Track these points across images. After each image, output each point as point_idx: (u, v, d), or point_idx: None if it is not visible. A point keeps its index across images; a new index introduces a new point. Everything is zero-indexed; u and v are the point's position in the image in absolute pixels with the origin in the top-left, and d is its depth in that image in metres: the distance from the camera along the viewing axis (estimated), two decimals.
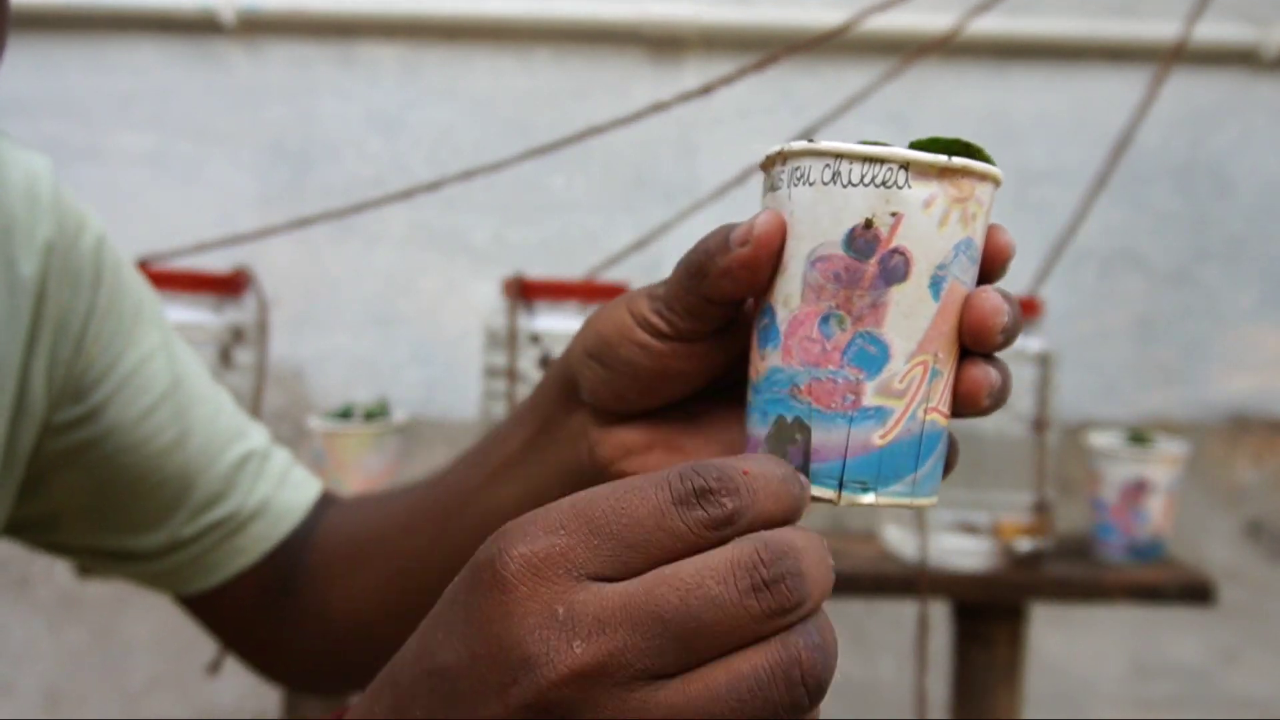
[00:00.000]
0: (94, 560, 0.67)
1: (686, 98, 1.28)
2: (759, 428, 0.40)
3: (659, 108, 1.28)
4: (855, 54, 1.75)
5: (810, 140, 0.39)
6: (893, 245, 0.38)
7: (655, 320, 0.44)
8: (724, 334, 0.44)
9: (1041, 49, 1.83)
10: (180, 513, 0.65)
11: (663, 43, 1.82)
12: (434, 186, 1.34)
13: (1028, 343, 1.29)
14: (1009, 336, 0.40)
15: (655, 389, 0.46)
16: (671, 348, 0.44)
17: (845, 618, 1.84)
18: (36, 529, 0.65)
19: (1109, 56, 1.84)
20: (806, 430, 0.39)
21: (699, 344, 0.44)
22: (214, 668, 1.31)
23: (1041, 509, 1.28)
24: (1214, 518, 1.88)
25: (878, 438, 0.39)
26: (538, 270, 1.38)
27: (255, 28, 1.82)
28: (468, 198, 1.79)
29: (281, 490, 0.68)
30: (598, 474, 0.49)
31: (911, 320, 0.38)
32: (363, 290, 1.84)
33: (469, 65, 1.83)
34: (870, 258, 0.38)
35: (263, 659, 0.71)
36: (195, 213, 1.80)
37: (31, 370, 0.58)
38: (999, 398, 0.41)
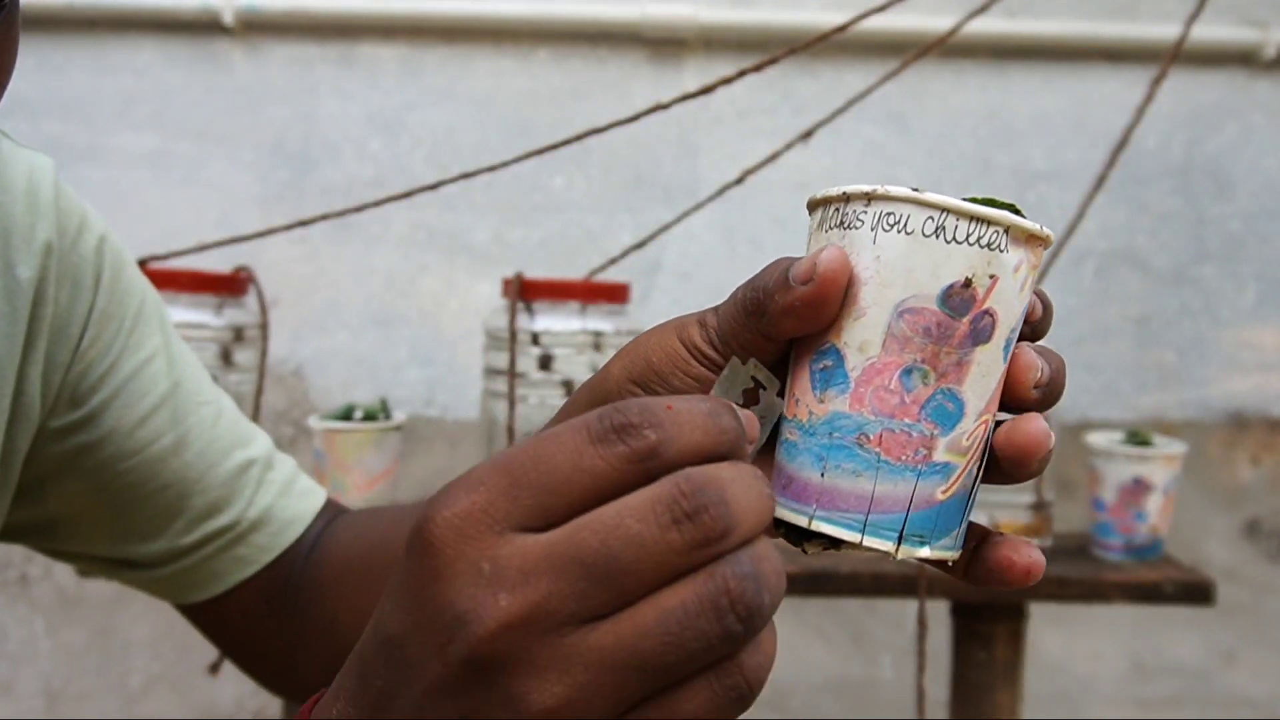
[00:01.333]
0: (93, 566, 0.67)
1: (686, 98, 1.29)
2: (809, 470, 0.39)
3: (659, 108, 1.29)
4: (855, 54, 1.75)
5: (915, 189, 0.39)
6: (985, 307, 0.38)
7: (710, 353, 0.43)
8: (779, 365, 0.43)
9: (1041, 49, 1.84)
10: (179, 521, 0.64)
11: (663, 43, 1.83)
12: (434, 186, 1.34)
13: None
14: (1044, 393, 0.40)
15: None
16: None
17: (845, 617, 1.84)
18: (34, 535, 0.64)
19: (1108, 57, 1.84)
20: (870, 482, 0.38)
21: None
22: (214, 668, 1.31)
23: (1040, 509, 1.29)
24: (1212, 517, 1.88)
25: (940, 493, 0.38)
26: (538, 270, 1.38)
27: (255, 28, 1.82)
28: (468, 198, 1.79)
29: (285, 500, 0.67)
30: None
31: (986, 380, 0.39)
32: (363, 290, 1.84)
33: (469, 66, 1.84)
34: (964, 316, 0.38)
35: (265, 670, 0.70)
36: (196, 213, 1.80)
37: (28, 374, 0.57)
38: (1046, 459, 0.40)
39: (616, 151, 1.79)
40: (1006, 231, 0.38)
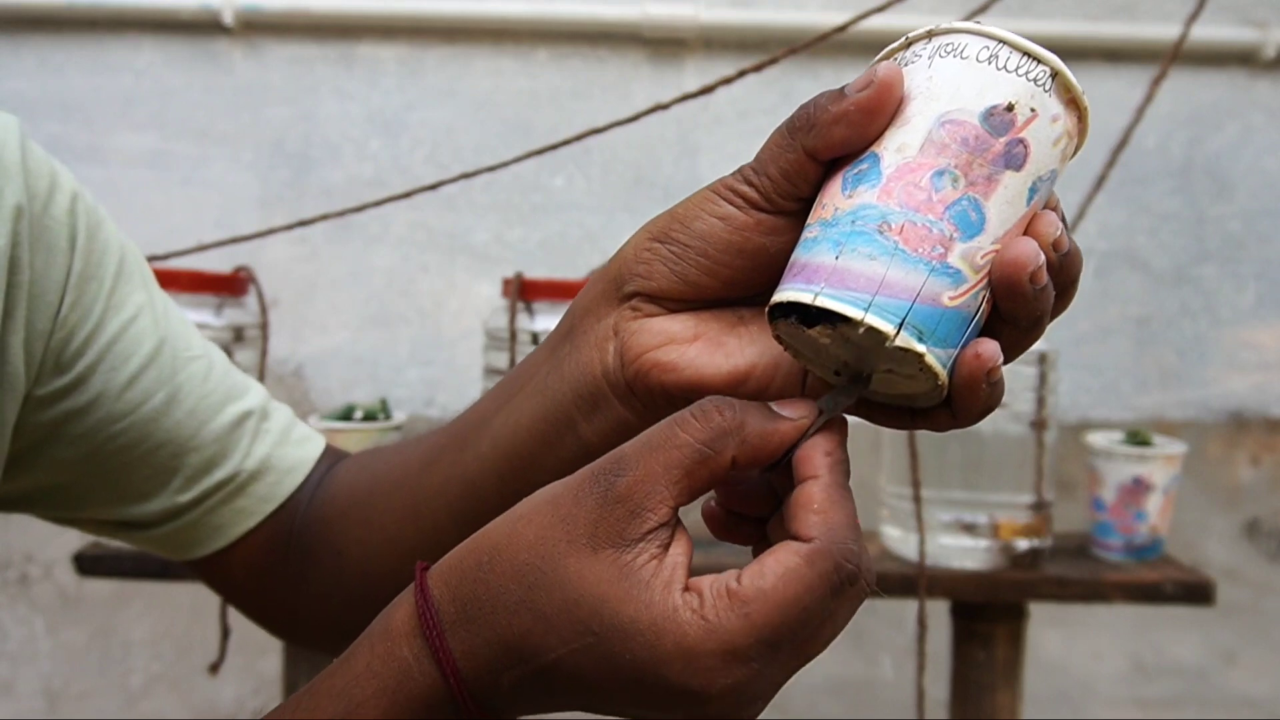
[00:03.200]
0: (95, 530, 0.66)
1: (686, 98, 1.29)
2: (823, 255, 0.40)
3: (659, 108, 1.29)
4: (855, 54, 1.75)
5: (977, 21, 0.41)
6: (1021, 135, 0.40)
7: (744, 188, 0.44)
8: (802, 218, 0.43)
9: None
10: (176, 479, 0.63)
11: (663, 43, 1.83)
12: (434, 186, 1.34)
13: None
14: (1061, 261, 0.41)
15: (726, 267, 0.45)
16: (755, 220, 0.44)
17: None
18: (30, 503, 0.63)
19: (1108, 57, 1.84)
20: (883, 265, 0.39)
21: (781, 219, 0.44)
22: (214, 668, 1.31)
23: (1040, 508, 1.29)
24: (1212, 517, 1.88)
25: (947, 298, 0.39)
26: (538, 270, 1.38)
27: (255, 28, 1.82)
28: (468, 198, 1.79)
29: (283, 449, 0.66)
30: (620, 370, 0.47)
31: (1009, 209, 0.40)
32: (363, 290, 1.84)
33: (469, 66, 1.84)
34: (1001, 137, 0.40)
35: (276, 618, 0.69)
36: (196, 213, 1.80)
37: (9, 344, 0.55)
38: (1040, 293, 0.40)
39: (616, 151, 1.80)
40: (1054, 76, 0.40)
